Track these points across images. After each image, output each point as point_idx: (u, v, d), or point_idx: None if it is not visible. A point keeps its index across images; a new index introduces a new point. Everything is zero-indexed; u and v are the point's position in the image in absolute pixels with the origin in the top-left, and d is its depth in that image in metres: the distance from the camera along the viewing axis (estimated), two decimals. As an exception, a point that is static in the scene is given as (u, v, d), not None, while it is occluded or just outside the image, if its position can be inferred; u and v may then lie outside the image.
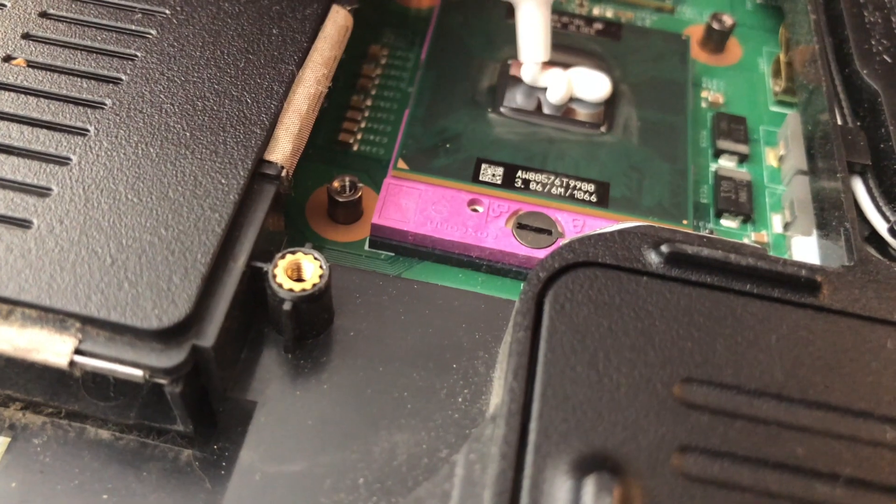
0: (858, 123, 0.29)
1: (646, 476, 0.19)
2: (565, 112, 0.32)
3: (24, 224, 0.22)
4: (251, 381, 0.24)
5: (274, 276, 0.23)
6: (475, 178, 0.29)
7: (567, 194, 0.29)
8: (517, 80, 0.32)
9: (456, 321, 0.25)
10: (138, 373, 0.20)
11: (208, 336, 0.21)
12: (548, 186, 0.29)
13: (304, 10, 0.28)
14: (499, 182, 0.29)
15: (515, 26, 0.31)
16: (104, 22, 0.27)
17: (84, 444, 0.23)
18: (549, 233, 0.28)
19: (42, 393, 0.23)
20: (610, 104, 0.32)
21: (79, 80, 0.25)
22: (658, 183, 0.30)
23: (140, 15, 0.27)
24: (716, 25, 0.36)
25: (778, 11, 0.38)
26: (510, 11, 0.35)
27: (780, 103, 0.35)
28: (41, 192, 0.22)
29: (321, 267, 0.23)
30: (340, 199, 0.28)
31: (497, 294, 0.27)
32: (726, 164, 0.33)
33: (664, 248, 0.22)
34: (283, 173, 0.24)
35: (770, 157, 0.33)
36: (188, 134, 0.24)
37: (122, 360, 0.20)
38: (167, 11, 0.27)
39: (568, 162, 0.30)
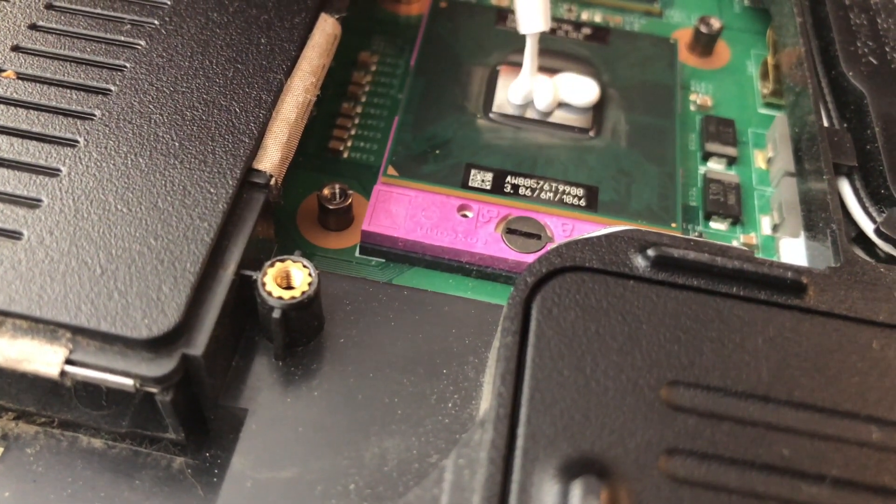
0: (845, 125, 0.30)
1: (633, 479, 0.19)
2: (554, 117, 0.32)
3: (14, 235, 0.22)
4: (242, 388, 0.24)
5: (263, 285, 0.23)
6: (465, 184, 0.29)
7: (556, 199, 0.29)
8: (506, 87, 0.32)
9: (446, 327, 0.25)
10: (129, 382, 0.20)
11: (198, 345, 0.21)
12: (537, 191, 0.29)
13: (292, 19, 0.28)
14: (488, 187, 0.29)
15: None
16: (94, 33, 0.27)
17: (77, 452, 0.23)
18: (539, 237, 0.28)
19: (34, 403, 0.23)
20: (598, 109, 0.32)
21: (68, 91, 0.25)
22: (647, 186, 0.30)
23: (129, 26, 0.27)
24: (703, 29, 0.36)
25: (765, 14, 0.38)
26: (499, 18, 0.36)
27: (768, 106, 0.35)
28: (31, 203, 0.23)
29: (310, 274, 0.23)
30: (331, 207, 0.28)
31: (487, 299, 0.27)
32: (715, 166, 0.33)
33: (651, 252, 0.23)
34: (272, 181, 0.25)
35: (758, 160, 0.33)
36: (177, 144, 0.24)
37: (112, 370, 0.20)
38: (156, 22, 0.27)
39: (557, 167, 0.30)
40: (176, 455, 0.23)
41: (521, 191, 0.29)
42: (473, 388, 0.24)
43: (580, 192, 0.29)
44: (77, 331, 0.21)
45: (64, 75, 0.26)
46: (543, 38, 0.34)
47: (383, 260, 0.28)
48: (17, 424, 0.23)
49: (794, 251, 0.28)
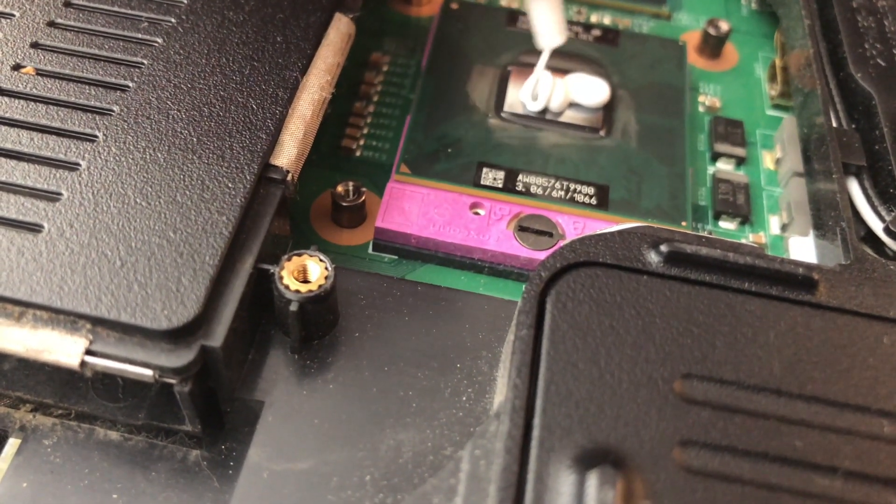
0: (853, 126, 0.30)
1: (648, 470, 0.19)
2: (565, 117, 0.32)
3: (35, 228, 0.22)
4: (258, 381, 0.24)
5: (280, 278, 0.23)
6: (476, 182, 0.30)
7: (567, 197, 0.29)
8: (517, 87, 0.33)
9: (459, 322, 0.26)
10: (148, 372, 0.21)
11: (217, 336, 0.21)
12: (548, 189, 0.30)
13: (307, 17, 0.28)
14: (500, 185, 0.30)
15: (528, 15, 0.31)
16: (111, 31, 0.27)
17: (93, 444, 0.23)
18: (550, 235, 0.28)
19: (52, 395, 0.23)
20: (609, 109, 0.33)
21: (87, 87, 0.26)
22: (657, 186, 0.30)
23: (146, 24, 0.28)
24: (712, 31, 0.37)
25: (773, 17, 0.38)
26: (510, 19, 0.36)
27: (777, 107, 0.35)
28: (51, 196, 0.23)
29: (326, 269, 0.23)
30: (344, 204, 0.28)
31: (499, 295, 0.27)
32: (724, 166, 0.33)
33: (663, 248, 0.23)
34: (289, 177, 0.25)
35: (767, 160, 0.33)
36: (195, 139, 0.24)
37: (132, 360, 0.20)
38: (173, 20, 0.28)
39: (568, 165, 0.31)
40: (192, 447, 0.23)
41: (533, 189, 0.30)
42: (487, 382, 0.24)
43: (591, 190, 0.30)
44: (97, 321, 0.21)
45: (82, 72, 0.26)
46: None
47: (396, 257, 0.29)
48: (34, 416, 0.23)
49: (803, 250, 0.29)
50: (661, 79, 0.34)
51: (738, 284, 0.23)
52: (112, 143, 0.24)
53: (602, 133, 0.32)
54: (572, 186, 0.30)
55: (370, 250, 0.29)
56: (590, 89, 0.32)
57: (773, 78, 0.36)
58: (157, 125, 0.25)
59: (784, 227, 0.31)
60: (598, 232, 0.23)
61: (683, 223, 0.29)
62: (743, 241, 0.30)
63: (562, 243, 0.27)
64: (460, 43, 0.35)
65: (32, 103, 0.25)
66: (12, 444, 0.23)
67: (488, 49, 0.34)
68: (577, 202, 0.29)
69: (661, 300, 0.22)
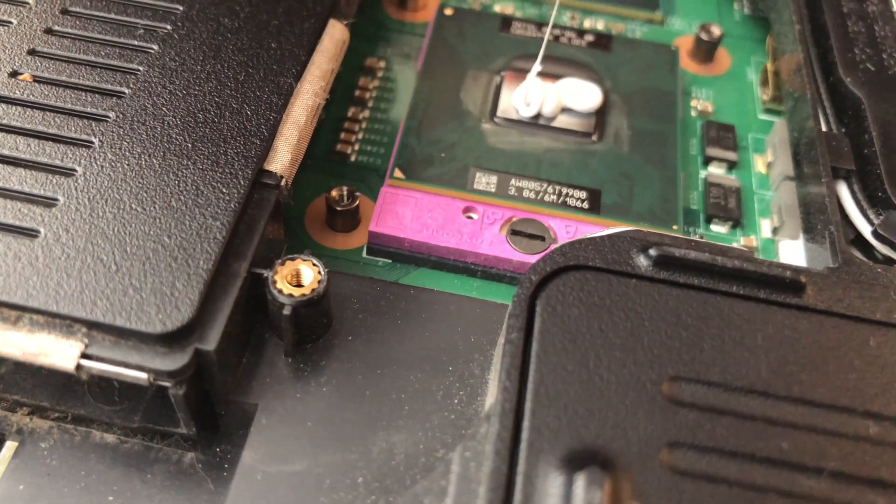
0: (843, 130, 0.30)
1: (636, 471, 0.19)
2: (557, 122, 0.32)
3: (31, 233, 0.22)
4: (252, 384, 0.24)
5: (274, 282, 0.23)
6: (470, 187, 0.30)
7: (560, 201, 0.30)
8: (510, 92, 0.33)
9: (452, 325, 0.26)
10: (143, 376, 0.21)
11: (211, 340, 0.21)
12: (541, 194, 0.30)
13: (301, 24, 0.29)
14: (493, 190, 0.30)
15: None
16: (107, 38, 0.28)
17: (90, 447, 0.23)
18: (543, 239, 0.29)
19: (49, 398, 0.23)
20: (601, 114, 0.33)
21: (83, 93, 0.26)
22: (649, 190, 0.30)
23: (142, 31, 0.28)
24: (704, 36, 0.37)
25: (765, 22, 0.38)
26: (503, 25, 0.36)
27: (768, 111, 0.36)
28: (48, 202, 0.23)
29: (320, 273, 0.24)
30: (339, 208, 0.29)
31: (492, 299, 0.27)
32: (716, 170, 0.33)
33: (653, 252, 0.23)
34: (283, 182, 0.25)
35: (758, 164, 0.34)
36: (190, 145, 0.25)
37: (127, 364, 0.21)
38: (169, 27, 0.28)
39: (560, 170, 0.31)
40: (187, 450, 0.24)
41: (525, 193, 0.30)
42: (479, 385, 0.25)
43: (583, 194, 0.30)
44: (93, 325, 0.21)
45: (79, 78, 0.26)
46: (548, 44, 0.34)
47: (390, 260, 0.29)
48: (31, 419, 0.24)
49: (793, 253, 0.29)
50: (653, 83, 0.34)
51: (726, 288, 0.23)
52: (108, 149, 0.24)
53: (594, 138, 0.32)
54: (564, 191, 0.30)
55: (364, 254, 0.29)
56: (582, 94, 0.32)
57: (764, 82, 0.36)
58: (153, 131, 0.25)
59: (775, 231, 0.31)
60: (589, 236, 0.24)
61: (675, 227, 0.29)
62: (734, 244, 0.30)
63: (554, 247, 0.28)
64: (455, 48, 0.35)
65: (29, 110, 0.25)
66: (9, 446, 0.23)
67: (482, 55, 0.35)
68: (570, 206, 0.30)
69: (650, 303, 0.22)
